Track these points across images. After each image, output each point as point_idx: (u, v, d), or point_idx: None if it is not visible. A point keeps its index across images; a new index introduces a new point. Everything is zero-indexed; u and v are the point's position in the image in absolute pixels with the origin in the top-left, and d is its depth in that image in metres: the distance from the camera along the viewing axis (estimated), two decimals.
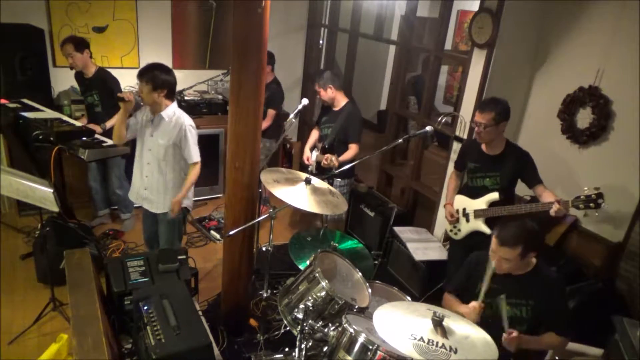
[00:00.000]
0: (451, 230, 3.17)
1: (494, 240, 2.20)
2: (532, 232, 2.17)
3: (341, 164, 3.43)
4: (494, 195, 2.87)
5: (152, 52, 4.81)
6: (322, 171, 3.60)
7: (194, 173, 3.03)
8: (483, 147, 2.93)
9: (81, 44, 3.76)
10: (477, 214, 2.93)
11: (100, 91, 3.88)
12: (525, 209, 2.73)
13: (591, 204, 2.45)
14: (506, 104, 2.80)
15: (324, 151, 3.67)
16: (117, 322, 2.28)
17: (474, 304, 2.19)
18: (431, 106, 4.25)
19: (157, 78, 2.82)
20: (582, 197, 2.49)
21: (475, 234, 2.98)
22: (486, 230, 2.89)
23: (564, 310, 2.27)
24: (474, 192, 2.99)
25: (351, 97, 3.84)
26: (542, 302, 2.20)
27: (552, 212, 2.53)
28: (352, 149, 3.60)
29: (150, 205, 3.08)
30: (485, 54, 3.39)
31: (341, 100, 3.68)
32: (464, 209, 3.03)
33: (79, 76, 3.95)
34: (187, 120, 2.95)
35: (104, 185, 4.24)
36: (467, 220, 3.01)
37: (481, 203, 2.93)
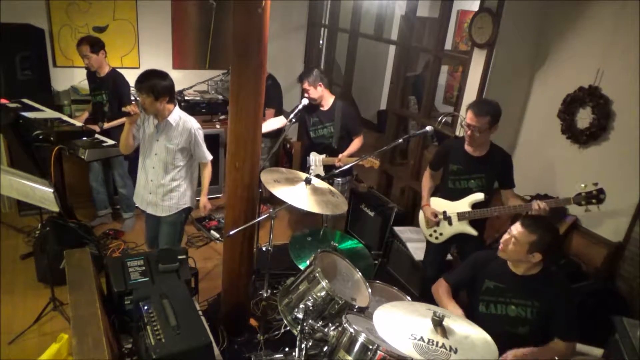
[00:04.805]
0: (431, 235, 3.05)
1: (517, 225, 2.20)
2: (551, 232, 2.19)
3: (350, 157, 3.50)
4: (479, 196, 2.80)
5: (152, 52, 4.81)
6: (328, 171, 3.62)
7: (209, 171, 3.16)
8: (467, 148, 2.84)
9: (97, 45, 3.79)
10: (462, 216, 2.85)
11: (109, 91, 3.90)
12: (511, 210, 2.71)
13: (593, 200, 2.44)
14: (499, 107, 2.73)
15: (331, 152, 3.68)
16: (117, 322, 2.28)
17: None
18: (431, 106, 4.25)
19: (156, 87, 2.75)
20: (582, 193, 2.47)
21: (457, 236, 2.93)
22: (473, 232, 2.84)
23: (570, 314, 2.21)
24: (455, 195, 2.90)
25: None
26: (548, 304, 2.19)
27: (533, 211, 2.55)
28: (357, 141, 3.64)
29: (155, 209, 3.08)
30: (485, 54, 3.39)
31: (329, 98, 3.66)
32: (445, 212, 2.93)
33: (92, 74, 3.97)
34: (194, 124, 2.96)
35: (105, 185, 4.24)
36: (450, 224, 2.91)
37: (464, 205, 2.85)
